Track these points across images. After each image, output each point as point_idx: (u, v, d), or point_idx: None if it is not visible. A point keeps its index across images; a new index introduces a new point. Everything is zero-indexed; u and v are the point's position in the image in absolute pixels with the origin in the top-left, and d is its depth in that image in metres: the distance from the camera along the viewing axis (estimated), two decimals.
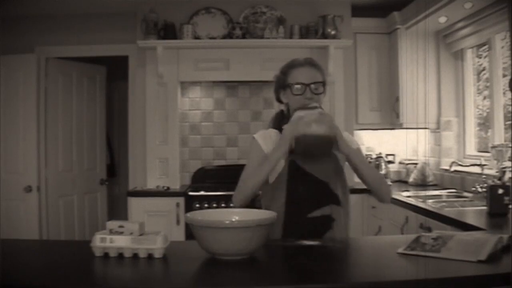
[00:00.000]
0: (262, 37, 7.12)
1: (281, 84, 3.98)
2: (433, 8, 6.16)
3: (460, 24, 6.56)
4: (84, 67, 8.20)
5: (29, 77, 7.45)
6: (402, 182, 7.44)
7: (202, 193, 6.77)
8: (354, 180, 7.20)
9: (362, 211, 6.82)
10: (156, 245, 2.93)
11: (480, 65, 6.71)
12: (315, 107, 3.53)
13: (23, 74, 7.46)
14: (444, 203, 5.44)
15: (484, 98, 6.63)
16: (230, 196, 6.49)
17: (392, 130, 7.54)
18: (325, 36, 7.06)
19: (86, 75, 8.24)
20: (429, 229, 4.61)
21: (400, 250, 2.90)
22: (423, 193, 6.25)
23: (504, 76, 5.96)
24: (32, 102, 7.45)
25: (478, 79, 6.79)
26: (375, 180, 3.78)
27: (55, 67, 7.75)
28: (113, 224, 3.04)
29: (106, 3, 7.20)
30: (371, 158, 7.38)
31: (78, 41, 7.67)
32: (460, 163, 6.27)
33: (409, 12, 6.78)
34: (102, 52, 7.74)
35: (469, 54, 6.87)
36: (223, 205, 6.58)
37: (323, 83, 3.72)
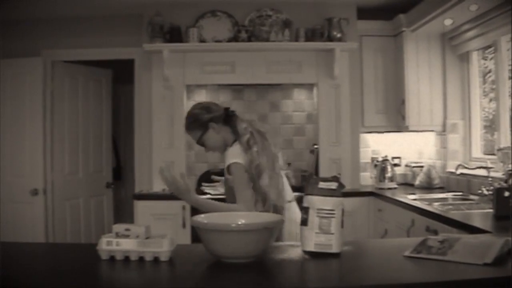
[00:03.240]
0: (267, 40, 7.12)
1: None
2: (439, 10, 6.16)
3: (465, 27, 6.55)
4: (90, 71, 8.22)
5: (35, 81, 7.47)
6: (408, 185, 7.42)
7: (208, 196, 6.77)
8: (360, 183, 7.26)
9: (368, 214, 6.83)
10: (163, 248, 2.93)
11: (486, 67, 6.70)
12: None
13: (30, 78, 7.47)
14: (450, 206, 5.43)
15: (490, 100, 6.62)
16: None
17: (398, 133, 7.53)
18: (331, 38, 7.07)
19: (92, 78, 8.25)
20: (435, 232, 4.59)
21: (407, 253, 2.90)
22: (429, 196, 6.24)
23: (510, 78, 5.96)
24: (38, 105, 7.46)
25: (484, 82, 6.78)
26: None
27: (61, 70, 7.76)
28: (119, 227, 3.04)
29: (112, 6, 7.22)
30: (377, 161, 7.36)
31: (84, 45, 7.68)
32: (466, 165, 6.25)
33: (415, 14, 6.78)
34: (108, 55, 7.75)
35: (475, 57, 6.86)
36: None
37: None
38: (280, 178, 4.13)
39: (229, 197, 4.03)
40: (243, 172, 3.95)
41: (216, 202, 4.23)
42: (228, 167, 4.05)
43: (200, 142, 4.35)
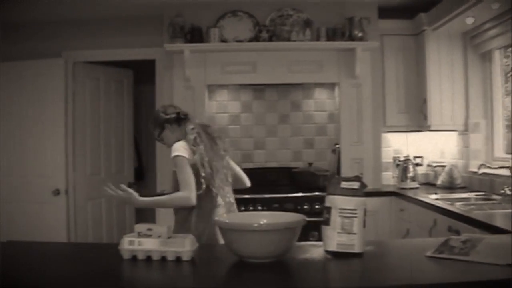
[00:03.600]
0: (289, 39, 7.12)
1: None
2: (460, 9, 6.12)
3: (487, 25, 6.51)
4: (111, 71, 8.24)
5: (57, 81, 7.51)
6: (430, 185, 7.38)
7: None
8: (382, 183, 7.23)
9: (390, 214, 6.80)
10: (185, 248, 2.95)
11: (508, 65, 6.66)
12: None
13: (51, 79, 7.51)
14: (472, 206, 5.40)
15: None
16: (258, 199, 6.55)
17: (420, 132, 7.50)
18: (352, 38, 7.05)
19: (113, 79, 8.28)
20: (457, 232, 4.57)
21: (429, 253, 2.89)
22: (451, 195, 6.21)
23: None
24: (60, 106, 7.50)
25: (506, 80, 6.74)
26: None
27: (83, 71, 7.79)
28: (141, 227, 3.06)
29: (133, 7, 7.24)
30: (399, 161, 7.34)
31: (105, 45, 7.71)
32: (488, 165, 6.22)
33: (436, 13, 6.75)
34: (129, 56, 7.79)
35: (497, 55, 6.82)
36: (251, 208, 6.58)
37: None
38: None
39: (177, 190, 4.32)
40: (185, 163, 4.28)
41: (160, 197, 4.70)
42: (173, 160, 4.38)
43: (160, 139, 4.79)
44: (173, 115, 4.71)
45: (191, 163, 4.31)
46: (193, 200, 4.20)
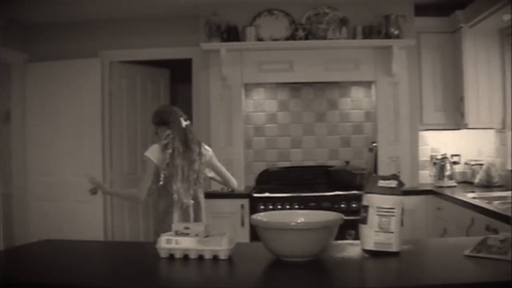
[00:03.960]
0: (325, 38, 7.10)
1: None
2: (497, 6, 6.06)
3: None
4: (148, 70, 8.30)
5: (93, 81, 7.59)
6: (467, 183, 7.34)
7: (266, 194, 6.78)
8: (419, 182, 7.20)
9: (427, 213, 6.77)
10: (222, 247, 2.96)
11: None
12: None
13: (88, 78, 7.59)
14: (510, 205, 5.36)
15: None
16: (295, 197, 6.57)
17: (457, 131, 7.45)
18: (388, 36, 7.02)
19: (149, 78, 8.34)
20: (495, 231, 4.54)
21: (467, 252, 2.88)
22: (489, 194, 6.16)
23: None
24: (97, 105, 7.58)
25: None
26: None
27: (119, 70, 7.87)
28: (178, 226, 3.08)
29: (169, 6, 7.27)
30: (436, 159, 7.31)
31: (141, 45, 7.77)
32: None
33: (473, 10, 6.69)
34: (166, 55, 7.83)
35: None
36: (287, 206, 6.59)
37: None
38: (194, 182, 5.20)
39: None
40: (149, 164, 5.06)
41: (121, 190, 6.25)
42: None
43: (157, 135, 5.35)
44: (157, 119, 5.30)
45: (157, 164, 5.02)
46: (140, 197, 5.11)
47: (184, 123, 5.19)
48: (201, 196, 5.33)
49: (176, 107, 5.43)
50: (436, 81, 7.33)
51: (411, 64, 7.25)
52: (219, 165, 5.55)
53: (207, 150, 5.41)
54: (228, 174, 5.57)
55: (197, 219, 5.19)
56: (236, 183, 5.64)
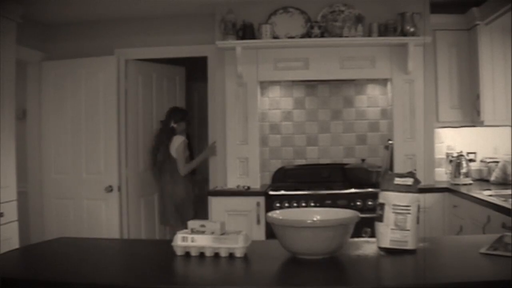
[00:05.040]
0: (340, 35, 7.09)
1: None
2: None
3: None
4: (164, 68, 8.32)
5: (109, 79, 7.62)
6: (483, 181, 7.31)
7: (282, 192, 6.79)
8: (435, 179, 7.18)
9: (443, 211, 6.76)
10: (238, 244, 2.96)
11: None
12: None
13: (103, 76, 7.62)
14: None
15: None
16: (311, 195, 6.59)
17: (473, 128, 7.42)
18: (404, 33, 7.01)
19: (165, 76, 8.35)
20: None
21: (483, 250, 2.88)
22: (505, 192, 6.13)
23: None
24: (113, 103, 7.60)
25: None
26: None
27: (135, 68, 7.89)
28: (194, 224, 3.09)
29: (184, 4, 7.28)
30: (452, 157, 7.29)
31: (157, 43, 7.79)
32: None
33: (489, 7, 6.67)
34: (181, 53, 7.84)
35: None
36: (303, 204, 6.60)
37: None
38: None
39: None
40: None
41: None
42: None
43: None
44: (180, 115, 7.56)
45: None
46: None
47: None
48: None
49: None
50: (452, 79, 7.31)
51: (427, 62, 7.23)
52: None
53: None
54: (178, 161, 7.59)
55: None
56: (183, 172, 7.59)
